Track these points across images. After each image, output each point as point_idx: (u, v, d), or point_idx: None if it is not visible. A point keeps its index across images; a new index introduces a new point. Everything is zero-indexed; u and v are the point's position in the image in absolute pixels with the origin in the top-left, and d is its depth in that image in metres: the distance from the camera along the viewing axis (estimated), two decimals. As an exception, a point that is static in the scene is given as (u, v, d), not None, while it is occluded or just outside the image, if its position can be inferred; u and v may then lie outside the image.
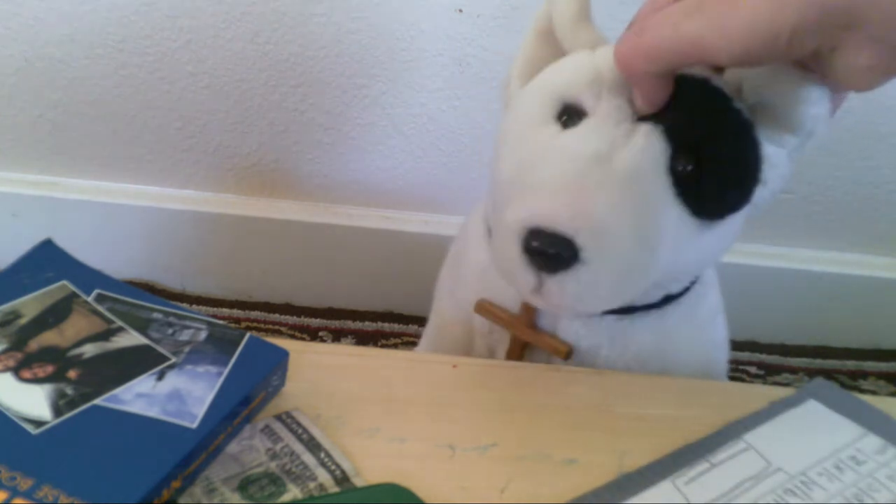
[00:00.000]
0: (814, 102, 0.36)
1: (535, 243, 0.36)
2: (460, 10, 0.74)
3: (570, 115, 0.39)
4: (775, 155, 0.38)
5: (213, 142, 0.84)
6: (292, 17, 0.75)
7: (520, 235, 0.36)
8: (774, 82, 0.37)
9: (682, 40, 0.33)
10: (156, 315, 0.39)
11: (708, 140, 0.37)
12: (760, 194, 0.39)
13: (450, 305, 0.53)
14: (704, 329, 0.49)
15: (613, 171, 0.36)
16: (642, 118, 0.37)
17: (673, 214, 0.38)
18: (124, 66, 0.78)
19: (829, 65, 0.33)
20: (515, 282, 0.38)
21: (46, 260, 0.40)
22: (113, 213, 0.87)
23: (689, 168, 0.37)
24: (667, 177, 0.37)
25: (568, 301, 0.37)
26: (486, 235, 0.48)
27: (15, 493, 0.30)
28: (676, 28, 0.33)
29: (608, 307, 0.39)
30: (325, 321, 0.91)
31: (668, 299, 0.45)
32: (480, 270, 0.49)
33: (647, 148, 0.37)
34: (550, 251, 0.35)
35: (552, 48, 0.41)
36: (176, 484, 0.33)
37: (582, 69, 0.38)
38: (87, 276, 0.40)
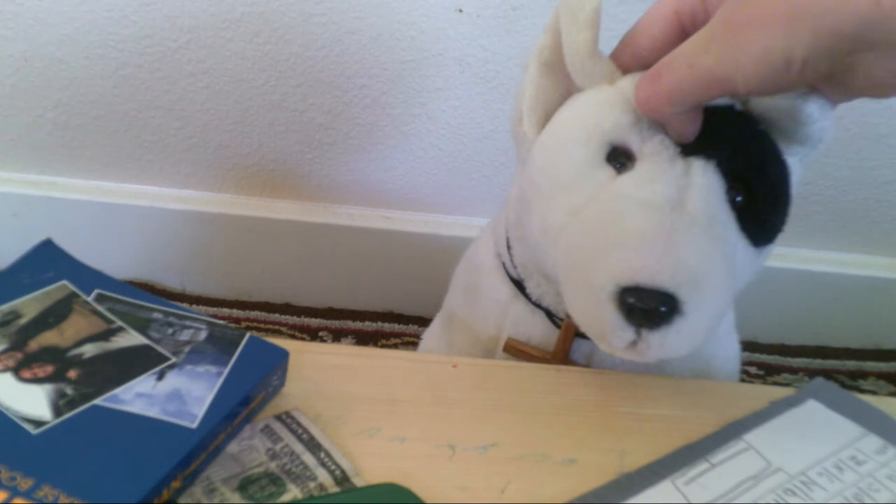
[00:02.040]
0: (816, 119, 0.37)
1: (632, 300, 0.35)
2: (460, 10, 0.74)
3: (617, 155, 0.38)
4: (791, 164, 0.39)
5: (213, 142, 0.84)
6: (292, 17, 0.75)
7: (615, 294, 0.35)
8: (776, 101, 0.37)
9: (700, 78, 0.34)
10: (156, 315, 0.39)
11: (755, 168, 0.38)
12: None
13: (464, 337, 0.53)
14: (723, 344, 0.49)
15: (693, 218, 0.36)
16: (685, 151, 0.37)
17: (741, 247, 0.38)
18: (124, 66, 0.78)
19: (845, 81, 0.33)
20: (607, 339, 0.37)
21: (46, 260, 0.40)
22: (113, 213, 0.87)
23: (741, 199, 0.38)
24: (731, 211, 0.37)
25: (665, 353, 0.37)
26: (503, 271, 0.48)
27: (15, 493, 0.30)
28: (692, 67, 0.34)
29: (696, 347, 0.38)
30: (325, 321, 0.91)
31: None
32: (500, 307, 0.49)
33: (709, 186, 0.37)
34: (654, 308, 0.35)
35: (560, 82, 0.40)
36: (176, 484, 0.33)
37: (619, 110, 0.38)
38: (87, 276, 0.40)
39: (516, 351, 0.47)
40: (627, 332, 0.36)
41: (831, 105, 0.37)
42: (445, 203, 0.88)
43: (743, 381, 0.88)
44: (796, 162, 0.39)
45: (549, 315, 0.47)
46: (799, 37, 0.30)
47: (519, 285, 0.47)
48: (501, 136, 0.82)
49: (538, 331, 0.47)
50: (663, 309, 0.35)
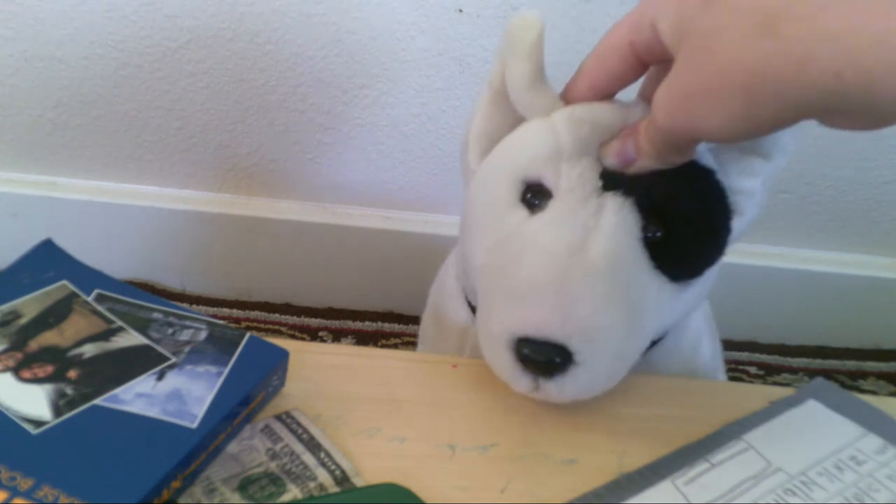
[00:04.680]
0: (782, 133, 0.36)
1: (526, 351, 0.36)
2: (460, 10, 0.74)
3: (533, 193, 0.37)
4: (750, 186, 0.38)
5: (213, 142, 0.84)
6: (292, 17, 0.75)
7: (509, 343, 0.36)
8: None
9: (670, 138, 0.34)
10: (156, 315, 0.39)
11: (673, 200, 0.36)
12: (738, 226, 0.38)
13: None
14: (688, 358, 0.49)
15: (593, 263, 0.35)
16: (606, 186, 0.36)
17: (654, 287, 0.37)
18: (124, 66, 0.78)
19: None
20: (511, 383, 0.38)
21: (46, 260, 0.40)
22: (113, 213, 0.87)
23: (659, 234, 0.37)
24: (643, 250, 0.36)
25: (566, 397, 0.38)
26: (462, 295, 0.48)
27: (15, 493, 0.30)
28: (658, 131, 0.34)
29: (605, 389, 0.39)
30: (325, 321, 0.91)
31: (653, 344, 0.45)
32: (460, 330, 0.49)
33: (619, 224, 0.36)
34: (544, 360, 0.35)
35: (508, 113, 0.39)
36: (176, 484, 0.33)
37: (539, 143, 0.37)
38: (87, 276, 0.40)
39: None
40: (526, 380, 0.37)
41: None
42: (445, 203, 0.88)
43: (743, 381, 0.88)
44: (758, 185, 0.38)
45: None
46: (761, 106, 0.30)
47: (475, 310, 0.47)
48: (501, 136, 0.82)
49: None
50: (557, 360, 0.35)
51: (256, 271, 0.91)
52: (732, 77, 0.30)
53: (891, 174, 0.84)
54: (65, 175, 0.87)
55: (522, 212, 0.38)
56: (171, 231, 0.88)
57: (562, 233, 0.36)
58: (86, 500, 0.30)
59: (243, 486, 0.35)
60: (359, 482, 0.36)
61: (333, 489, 0.35)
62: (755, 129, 0.31)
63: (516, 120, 0.39)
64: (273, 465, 0.36)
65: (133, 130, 0.83)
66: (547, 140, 0.37)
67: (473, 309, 0.47)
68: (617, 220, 0.36)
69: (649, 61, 0.36)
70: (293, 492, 0.35)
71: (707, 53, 0.31)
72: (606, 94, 0.38)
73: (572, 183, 0.36)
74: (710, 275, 0.40)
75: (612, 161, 0.36)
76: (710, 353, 0.51)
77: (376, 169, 0.85)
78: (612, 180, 0.36)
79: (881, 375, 0.92)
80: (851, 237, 0.89)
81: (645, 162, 0.35)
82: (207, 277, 0.92)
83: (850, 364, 0.93)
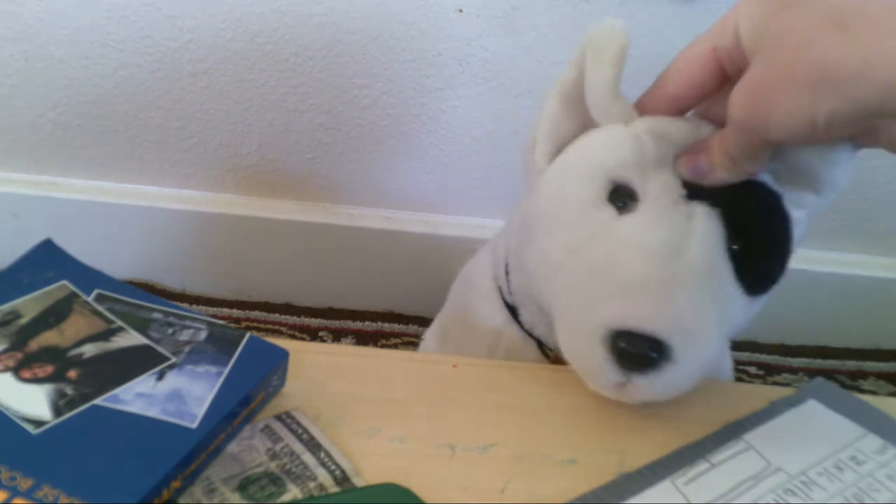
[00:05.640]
0: (840, 164, 0.37)
1: (623, 345, 0.36)
2: (460, 10, 0.74)
3: (619, 195, 0.38)
4: (798, 216, 0.39)
5: (213, 142, 0.84)
6: (292, 17, 0.75)
7: (606, 337, 0.36)
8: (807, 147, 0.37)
9: (737, 130, 0.35)
10: (156, 315, 0.39)
11: (756, 219, 0.38)
12: None
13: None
14: (712, 377, 0.49)
15: (692, 266, 0.36)
16: (690, 195, 0.37)
17: (736, 295, 0.38)
18: (124, 66, 0.78)
19: (870, 140, 0.34)
20: (595, 379, 0.38)
21: (46, 260, 0.40)
22: (113, 213, 0.87)
23: (737, 248, 0.38)
24: (728, 261, 0.37)
25: (653, 397, 0.38)
26: (498, 294, 0.48)
27: (15, 493, 0.30)
28: (741, 109, 0.35)
29: (683, 392, 0.39)
30: (325, 321, 0.91)
31: None
32: (494, 331, 0.49)
33: (711, 233, 0.37)
34: (644, 353, 0.35)
35: (578, 115, 0.40)
36: (176, 484, 0.33)
37: (626, 149, 0.38)
38: (87, 276, 0.40)
39: None
40: (616, 375, 0.37)
41: (853, 152, 0.37)
42: (445, 203, 0.88)
43: (743, 381, 0.88)
44: (804, 217, 0.39)
45: (540, 345, 0.47)
46: (822, 102, 0.31)
47: (513, 311, 0.47)
48: (501, 136, 0.82)
49: (528, 360, 0.47)
50: (654, 355, 0.35)
51: (256, 271, 0.91)
52: (799, 69, 0.31)
53: (891, 174, 0.84)
54: (65, 175, 0.87)
55: (610, 210, 0.38)
56: (171, 231, 0.88)
57: (660, 233, 0.36)
58: (86, 500, 0.30)
59: (243, 486, 0.35)
60: (359, 482, 0.36)
61: (333, 489, 0.35)
62: (814, 126, 0.31)
63: (584, 124, 0.40)
64: (273, 465, 0.36)
65: (133, 130, 0.83)
66: (633, 146, 0.38)
67: (512, 310, 0.47)
68: (709, 228, 0.37)
69: (729, 68, 0.36)
70: (293, 492, 0.35)
71: (779, 49, 0.32)
72: (685, 104, 0.38)
73: (659, 188, 0.37)
74: (763, 300, 0.40)
75: (685, 172, 0.37)
76: (728, 370, 0.52)
77: (376, 169, 0.85)
78: (694, 190, 0.37)
79: (881, 375, 0.92)
80: (851, 237, 0.89)
81: (719, 174, 0.36)
82: (207, 277, 0.92)
83: (850, 364, 0.93)
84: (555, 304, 0.40)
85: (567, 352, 0.39)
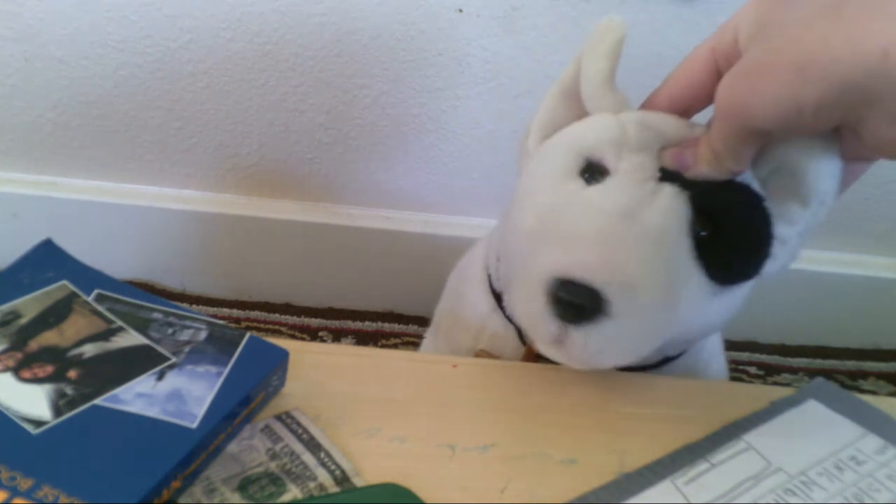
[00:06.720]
0: (825, 167, 0.37)
1: (562, 293, 0.36)
2: (460, 10, 0.74)
3: (592, 172, 0.39)
4: (786, 233, 0.39)
5: (213, 142, 0.84)
6: (292, 17, 0.75)
7: (547, 285, 0.36)
8: (793, 147, 0.37)
9: (724, 113, 0.35)
10: (156, 315, 0.39)
11: (728, 210, 0.38)
12: (769, 268, 0.39)
13: (446, 346, 0.53)
14: (694, 366, 0.49)
15: (642, 228, 0.36)
16: (664, 178, 0.37)
17: (693, 275, 0.38)
18: (124, 66, 0.78)
19: (858, 135, 0.34)
20: (536, 331, 0.38)
21: (46, 260, 0.40)
22: (113, 213, 0.87)
23: (705, 234, 0.38)
24: (688, 239, 0.37)
25: (588, 354, 0.37)
26: (487, 283, 0.48)
27: (15, 493, 0.30)
28: (726, 97, 0.35)
29: (624, 363, 0.39)
30: (325, 321, 0.91)
31: (665, 360, 0.45)
32: (480, 319, 0.49)
33: (672, 208, 0.37)
34: (579, 302, 0.35)
35: (573, 108, 0.41)
36: (176, 484, 0.33)
37: (606, 128, 0.38)
38: (87, 276, 0.40)
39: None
40: (553, 325, 0.37)
41: (839, 159, 0.37)
42: (445, 203, 0.88)
43: (743, 381, 0.88)
44: (794, 233, 0.39)
45: (520, 334, 0.47)
46: (808, 85, 0.31)
47: (499, 299, 0.47)
48: (501, 136, 0.82)
49: (509, 348, 0.47)
50: (585, 302, 0.35)
51: (256, 271, 0.91)
52: (787, 54, 0.31)
53: (891, 174, 0.84)
54: (65, 175, 0.87)
55: (579, 182, 0.39)
56: (171, 231, 0.88)
57: (617, 196, 0.37)
58: (86, 500, 0.30)
59: (243, 486, 0.35)
60: (359, 482, 0.36)
61: (333, 489, 0.35)
62: (799, 111, 0.31)
63: (579, 117, 0.41)
64: (273, 465, 0.36)
65: (133, 130, 0.83)
66: (613, 127, 0.38)
67: (497, 297, 0.47)
68: (671, 204, 0.37)
69: (725, 68, 0.36)
70: (293, 492, 0.35)
71: (770, 38, 0.32)
72: (684, 104, 0.39)
73: (632, 167, 0.38)
74: (736, 298, 0.40)
75: (670, 163, 0.38)
76: (718, 370, 0.52)
77: (376, 169, 0.85)
78: (670, 175, 0.38)
79: (881, 375, 0.92)
80: (851, 237, 0.89)
81: (702, 167, 0.37)
82: (207, 277, 0.92)
83: (850, 364, 0.93)
84: (514, 264, 0.41)
85: (515, 306, 0.40)
